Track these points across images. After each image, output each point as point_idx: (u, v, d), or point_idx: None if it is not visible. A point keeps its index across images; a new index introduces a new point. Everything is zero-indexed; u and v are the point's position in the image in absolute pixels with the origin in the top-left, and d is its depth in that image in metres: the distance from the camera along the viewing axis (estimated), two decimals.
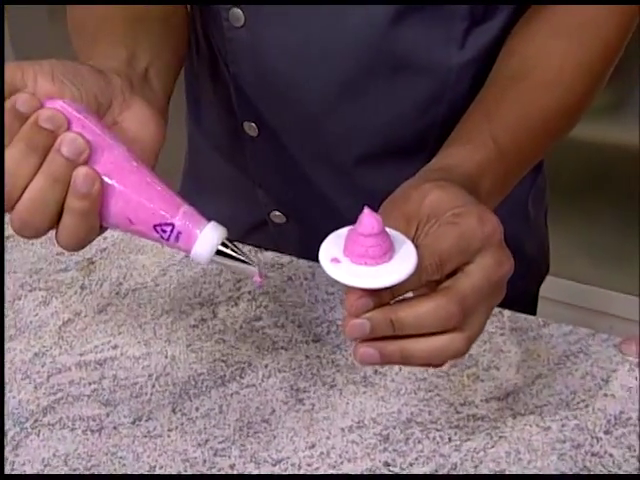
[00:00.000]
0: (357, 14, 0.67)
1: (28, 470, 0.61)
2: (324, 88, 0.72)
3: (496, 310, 0.73)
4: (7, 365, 0.69)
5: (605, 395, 0.66)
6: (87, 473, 0.61)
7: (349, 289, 0.49)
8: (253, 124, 0.77)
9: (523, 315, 0.73)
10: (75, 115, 0.50)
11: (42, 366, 0.69)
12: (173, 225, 0.51)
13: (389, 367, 0.68)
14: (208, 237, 0.51)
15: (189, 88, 0.87)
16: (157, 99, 0.58)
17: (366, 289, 0.48)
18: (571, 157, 1.73)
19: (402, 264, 0.48)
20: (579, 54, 0.67)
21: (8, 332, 0.72)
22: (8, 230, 0.83)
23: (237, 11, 0.71)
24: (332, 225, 0.51)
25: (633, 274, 1.70)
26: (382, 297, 0.49)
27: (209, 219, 0.52)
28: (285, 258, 0.79)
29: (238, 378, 0.68)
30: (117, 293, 0.76)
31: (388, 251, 0.48)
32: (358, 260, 0.48)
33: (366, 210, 0.48)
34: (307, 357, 0.70)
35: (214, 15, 0.74)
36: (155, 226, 0.51)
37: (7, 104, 0.49)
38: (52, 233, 0.51)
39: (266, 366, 0.69)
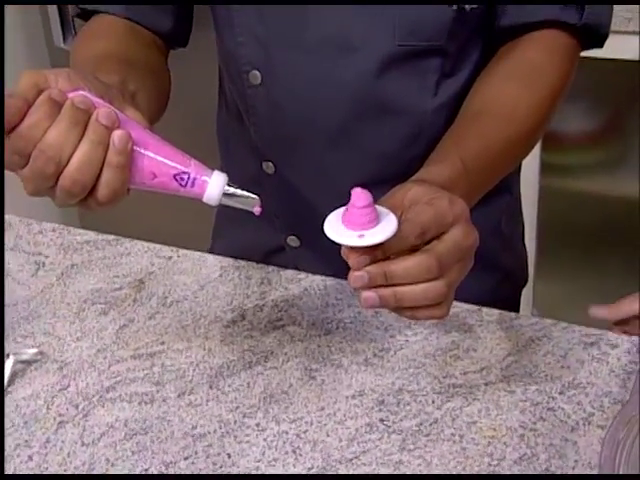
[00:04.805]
0: (349, 70, 0.85)
1: (97, 431, 0.77)
2: (326, 131, 0.89)
3: (476, 308, 0.88)
4: (75, 359, 0.85)
5: (562, 367, 0.81)
6: (143, 433, 0.76)
7: (353, 252, 0.64)
8: (270, 163, 0.95)
9: (498, 311, 0.88)
10: (96, 100, 0.65)
11: (104, 358, 0.85)
12: (189, 173, 0.66)
13: (386, 351, 0.84)
14: (217, 180, 0.66)
15: (221, 135, 1.05)
16: (144, 115, 0.71)
17: (369, 246, 0.63)
18: (577, 209, 1.89)
19: (388, 225, 0.64)
20: (529, 96, 0.84)
21: (75, 335, 0.89)
22: (72, 260, 1.00)
23: (256, 73, 0.89)
24: (338, 244, 0.66)
25: None
26: (376, 255, 0.64)
27: (212, 168, 0.66)
28: (302, 274, 0.96)
29: (263, 362, 0.83)
30: (163, 304, 0.93)
31: (378, 217, 0.64)
32: (361, 227, 0.63)
33: (357, 189, 0.64)
34: (319, 346, 0.85)
35: (237, 76, 0.92)
36: (175, 175, 0.65)
37: (42, 97, 0.62)
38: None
39: (285, 354, 0.84)
